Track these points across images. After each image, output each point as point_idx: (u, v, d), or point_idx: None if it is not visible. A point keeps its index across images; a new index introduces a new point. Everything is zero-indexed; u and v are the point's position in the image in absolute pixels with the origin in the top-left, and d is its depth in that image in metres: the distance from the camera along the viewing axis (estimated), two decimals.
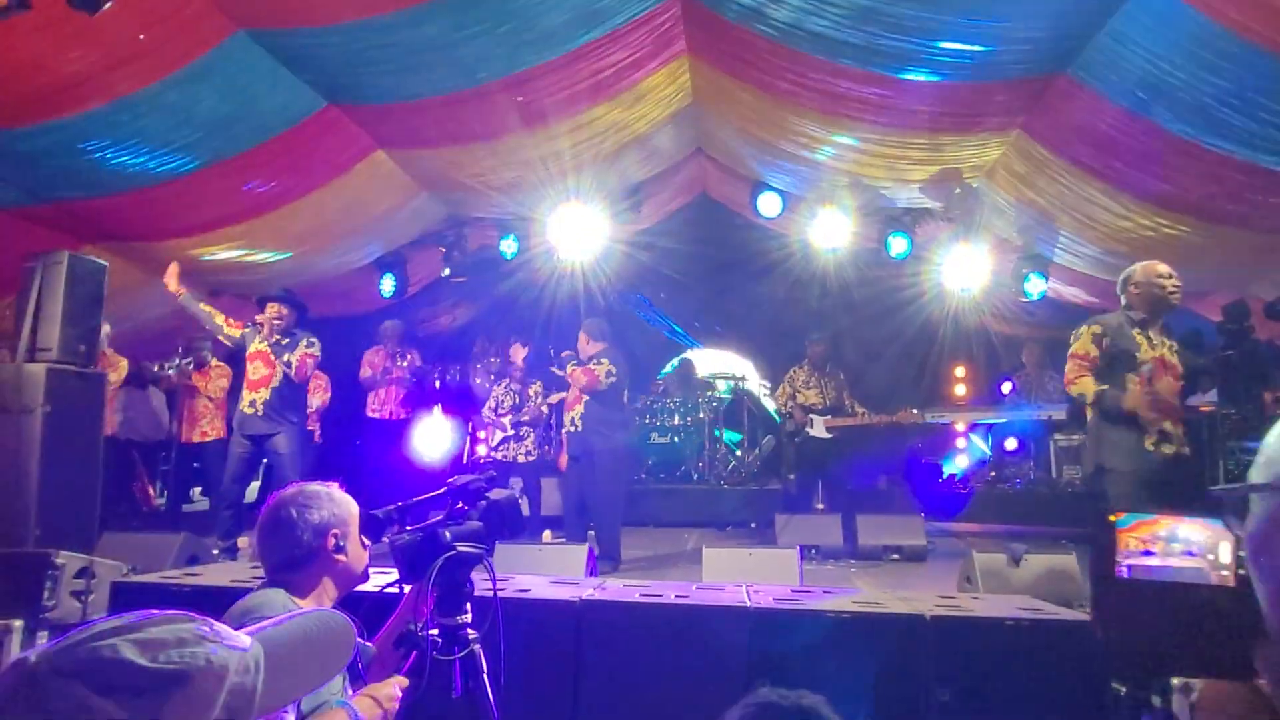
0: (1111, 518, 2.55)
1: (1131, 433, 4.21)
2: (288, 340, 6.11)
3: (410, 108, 5.86)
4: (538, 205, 8.11)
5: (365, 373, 8.79)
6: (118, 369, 6.97)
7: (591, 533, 6.20)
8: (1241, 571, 2.45)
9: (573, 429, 6.15)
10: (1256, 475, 0.90)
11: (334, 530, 1.96)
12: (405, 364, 8.85)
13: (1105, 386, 4.19)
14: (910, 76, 5.40)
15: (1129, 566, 2.52)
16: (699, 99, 6.88)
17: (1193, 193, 5.49)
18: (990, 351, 10.67)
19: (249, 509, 6.34)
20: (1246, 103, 4.53)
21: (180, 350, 7.82)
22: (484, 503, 2.17)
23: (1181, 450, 4.20)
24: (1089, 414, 4.46)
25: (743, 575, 4.21)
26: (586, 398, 6.11)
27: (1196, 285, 6.22)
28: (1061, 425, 8.84)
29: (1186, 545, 2.51)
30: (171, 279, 5.99)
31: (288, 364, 6.01)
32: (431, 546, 2.05)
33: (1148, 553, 2.52)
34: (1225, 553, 2.48)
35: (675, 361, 11.57)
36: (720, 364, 11.61)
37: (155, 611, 0.83)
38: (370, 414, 8.88)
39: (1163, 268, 4.33)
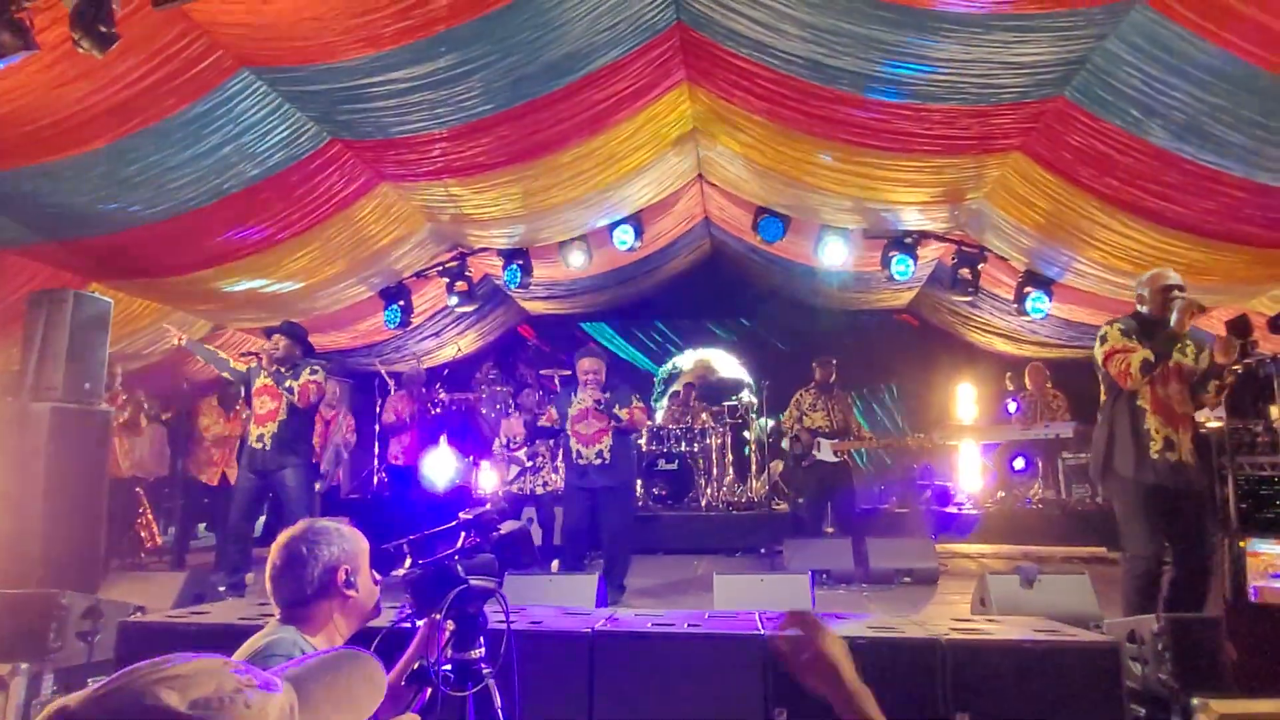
0: (1241, 543, 2.63)
1: (1139, 440, 4.21)
2: (290, 369, 6.12)
3: (413, 141, 5.91)
4: (540, 235, 8.16)
5: (389, 418, 8.89)
6: (127, 408, 6.99)
7: (596, 561, 6.27)
8: None
9: (599, 461, 6.02)
10: None
11: (344, 565, 1.94)
12: (438, 410, 8.96)
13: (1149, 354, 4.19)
14: (909, 102, 5.44)
15: (1256, 589, 2.58)
16: (699, 126, 6.94)
17: (1190, 209, 5.51)
18: (994, 372, 10.67)
19: (257, 545, 6.31)
20: (1240, 120, 4.56)
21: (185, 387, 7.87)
22: (495, 535, 2.16)
23: (1185, 460, 4.17)
24: (1099, 420, 4.46)
25: (755, 602, 4.17)
26: (614, 430, 6.05)
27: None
28: (1069, 444, 8.80)
29: None
30: (172, 332, 6.12)
31: (289, 389, 5.99)
32: (443, 580, 2.04)
33: (1276, 575, 2.58)
34: None
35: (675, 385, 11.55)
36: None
37: (190, 654, 0.82)
38: (392, 460, 8.97)
39: (1172, 278, 4.34)
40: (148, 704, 0.75)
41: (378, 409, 9.77)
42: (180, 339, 6.10)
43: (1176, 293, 4.26)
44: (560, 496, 7.62)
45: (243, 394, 6.89)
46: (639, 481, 8.51)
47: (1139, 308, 4.46)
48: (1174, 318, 4.13)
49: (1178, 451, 4.15)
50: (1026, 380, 9.64)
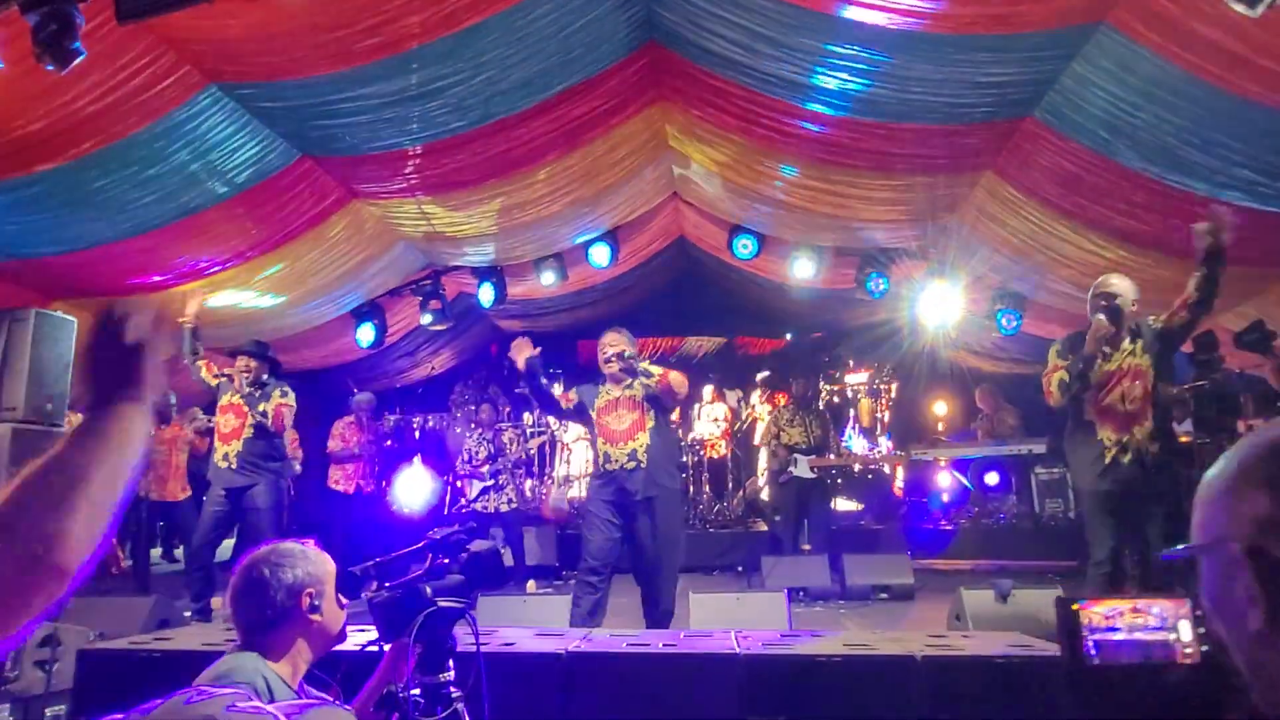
0: (1074, 606, 2.62)
1: (1091, 449, 4.25)
2: (260, 392, 6.01)
3: (385, 158, 5.87)
4: (514, 252, 8.14)
5: (335, 445, 8.49)
6: None
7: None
8: (1205, 648, 2.50)
9: (633, 465, 4.57)
10: (1194, 537, 0.90)
11: (309, 589, 1.89)
12: (389, 444, 8.73)
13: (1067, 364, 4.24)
14: (882, 120, 5.50)
15: (1095, 643, 2.56)
16: (673, 144, 6.96)
17: (1157, 228, 5.60)
18: (968, 388, 10.76)
19: (222, 568, 6.17)
20: (1206, 140, 4.66)
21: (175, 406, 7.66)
22: (464, 555, 2.12)
23: (1144, 456, 4.13)
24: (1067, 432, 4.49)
25: (731, 621, 4.13)
26: (652, 424, 4.65)
27: None
28: (1042, 459, 8.87)
29: (1151, 620, 2.59)
30: (191, 306, 5.94)
31: (263, 414, 5.89)
32: (412, 603, 1.99)
33: (1112, 629, 2.58)
34: (1186, 630, 2.55)
35: None
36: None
37: (192, 692, 0.82)
38: (332, 485, 8.52)
39: (1104, 286, 4.29)
40: None
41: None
42: (188, 321, 5.94)
43: (1101, 303, 4.23)
44: (523, 515, 7.44)
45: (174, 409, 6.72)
46: None
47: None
48: (1087, 339, 4.18)
49: (1132, 452, 4.14)
50: (979, 402, 9.76)
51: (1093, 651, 2.53)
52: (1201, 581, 0.88)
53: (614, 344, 4.72)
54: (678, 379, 4.63)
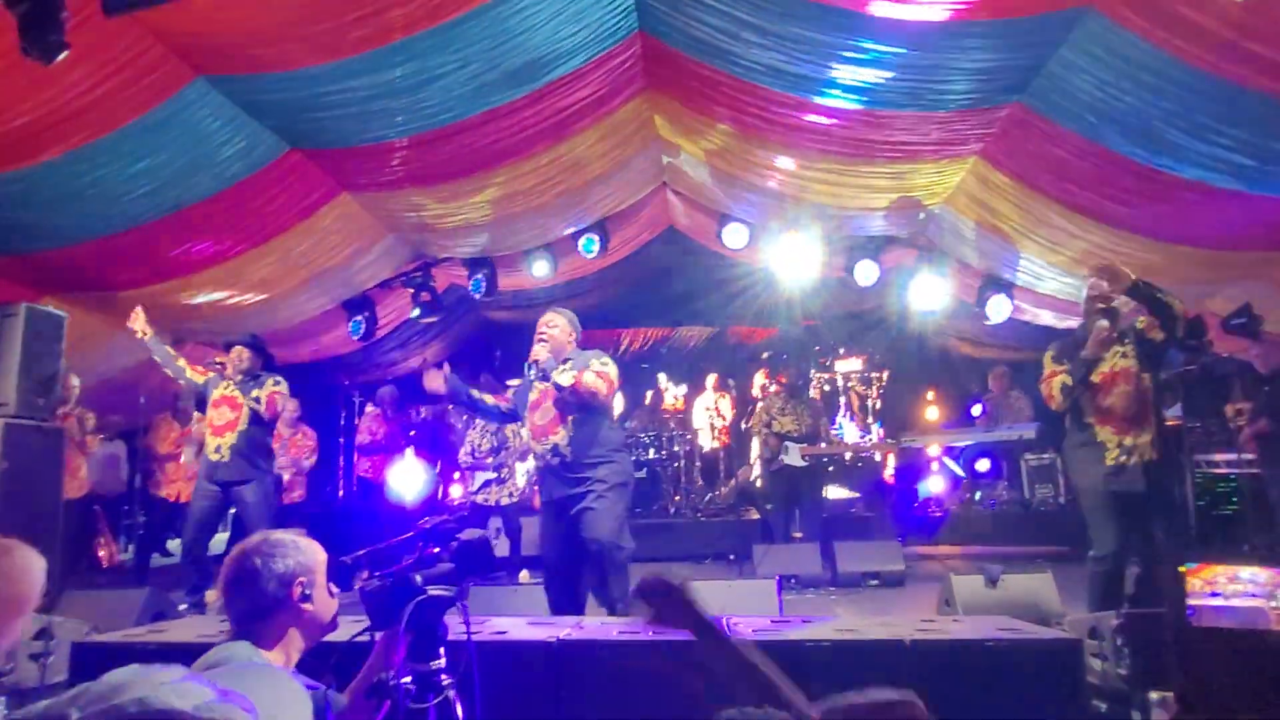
0: (1181, 569, 2.71)
1: (1092, 449, 4.29)
2: (253, 381, 6.04)
3: (373, 150, 5.86)
4: (505, 243, 8.13)
5: (362, 438, 9.05)
6: (85, 425, 6.79)
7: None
8: None
9: (556, 460, 4.34)
10: None
11: (300, 579, 1.90)
12: (414, 432, 9.02)
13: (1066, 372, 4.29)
14: (868, 107, 5.50)
15: (1193, 608, 2.65)
16: (663, 134, 6.96)
17: (1145, 212, 5.63)
18: (958, 375, 10.81)
19: (215, 561, 6.18)
20: (1193, 124, 4.67)
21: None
22: (454, 544, 2.14)
23: (1145, 458, 4.21)
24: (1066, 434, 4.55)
25: (722, 608, 4.16)
26: (573, 418, 4.36)
27: None
28: (1032, 445, 8.93)
29: (1248, 587, 2.65)
30: (138, 321, 5.84)
31: (256, 399, 5.91)
32: (402, 591, 2.02)
33: (1214, 594, 2.65)
34: None
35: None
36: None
37: (158, 666, 0.86)
38: (363, 474, 9.18)
39: (1096, 288, 4.32)
40: (158, 708, 0.80)
41: (341, 420, 9.73)
42: (145, 333, 5.90)
43: (1099, 305, 4.30)
44: (523, 507, 7.51)
45: (193, 405, 6.79)
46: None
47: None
48: (1088, 344, 4.24)
49: (1134, 454, 4.21)
50: (990, 384, 9.78)
51: (1190, 614, 2.62)
52: None
53: (550, 325, 4.48)
54: (590, 384, 4.27)
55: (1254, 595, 2.65)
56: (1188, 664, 2.75)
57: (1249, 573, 2.70)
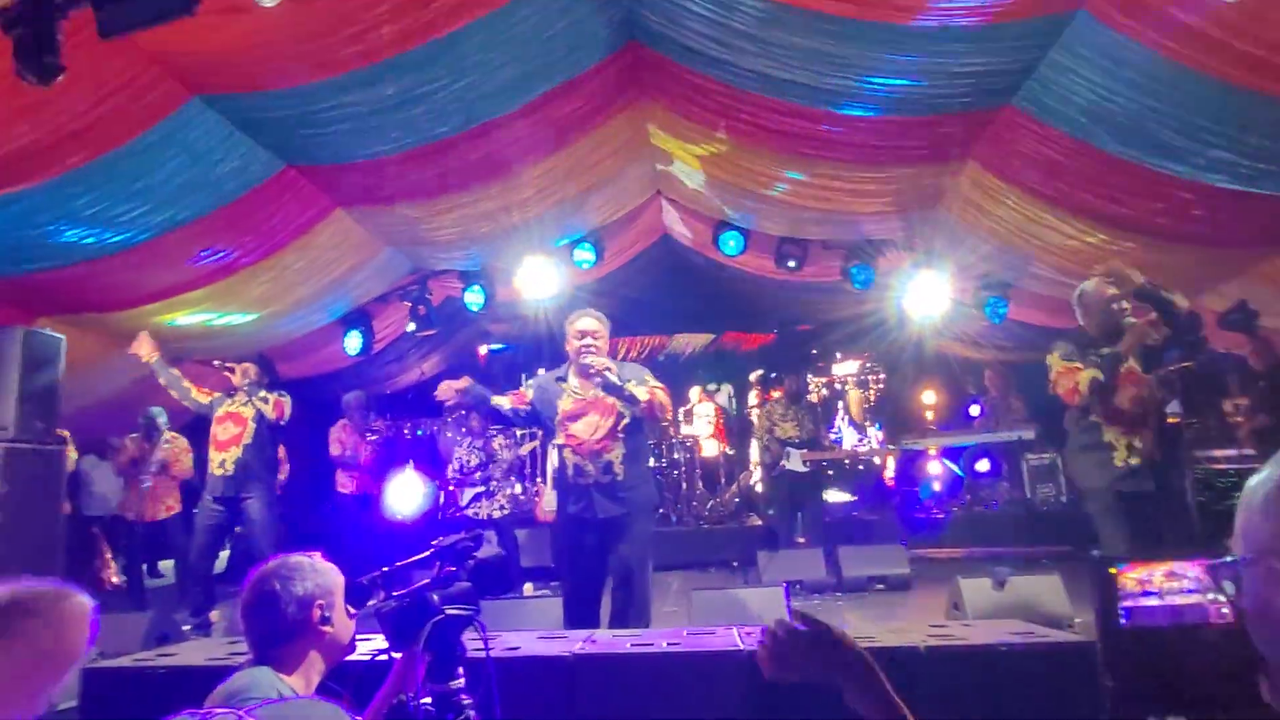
0: (1111, 570, 2.65)
1: (1101, 451, 4.29)
2: (260, 393, 6.10)
3: (369, 166, 5.85)
4: (500, 256, 8.12)
5: (335, 450, 8.67)
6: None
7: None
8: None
9: (608, 479, 4.09)
10: (1237, 542, 0.91)
11: (319, 601, 1.89)
12: (375, 437, 8.76)
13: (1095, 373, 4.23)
14: (861, 113, 5.52)
15: (1128, 610, 2.60)
16: (656, 142, 6.97)
17: (1139, 212, 5.65)
18: (956, 376, 10.83)
19: (218, 581, 6.15)
20: (1185, 124, 4.69)
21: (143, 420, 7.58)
22: (471, 562, 2.13)
23: (1151, 459, 4.21)
24: (1069, 432, 4.53)
25: (731, 617, 4.16)
26: (624, 435, 4.14)
27: None
28: (1032, 445, 8.95)
29: (1185, 584, 2.60)
30: (143, 346, 5.83)
31: (264, 399, 6.02)
32: (420, 611, 2.00)
33: (1147, 594, 2.61)
34: (1226, 591, 2.58)
35: None
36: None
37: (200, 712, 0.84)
38: (340, 489, 8.71)
39: (1111, 288, 4.31)
40: None
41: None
42: (151, 358, 5.88)
43: (1124, 305, 4.27)
44: (515, 519, 7.42)
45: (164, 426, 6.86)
46: None
47: (1079, 321, 4.50)
48: (1125, 340, 4.20)
49: (1140, 455, 4.21)
50: (988, 384, 9.80)
51: (1124, 618, 2.58)
52: (1243, 589, 0.90)
53: (592, 331, 4.20)
54: (663, 402, 4.13)
55: (1192, 591, 2.61)
56: (1115, 669, 2.71)
57: (1182, 568, 2.65)
